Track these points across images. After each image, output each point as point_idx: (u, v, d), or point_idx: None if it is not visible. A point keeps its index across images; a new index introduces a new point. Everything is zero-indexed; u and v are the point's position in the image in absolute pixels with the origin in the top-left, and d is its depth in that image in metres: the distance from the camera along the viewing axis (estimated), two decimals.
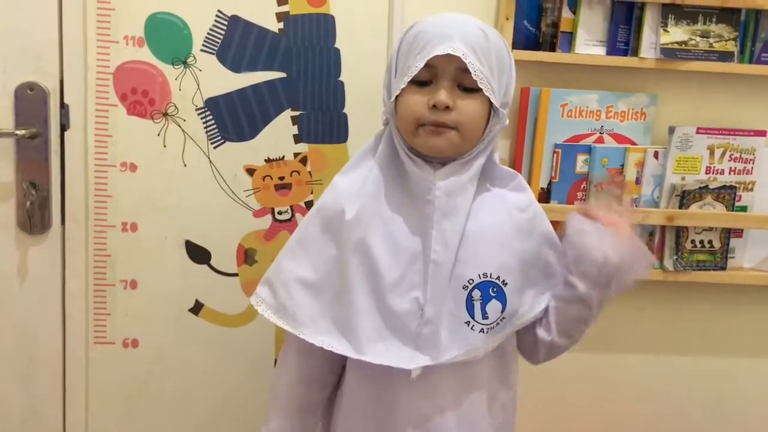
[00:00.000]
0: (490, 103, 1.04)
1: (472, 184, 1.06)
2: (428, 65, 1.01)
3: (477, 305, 1.06)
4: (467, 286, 1.06)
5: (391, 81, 1.09)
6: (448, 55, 0.99)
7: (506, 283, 1.07)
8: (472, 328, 1.06)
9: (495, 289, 1.07)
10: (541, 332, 1.13)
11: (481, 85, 1.01)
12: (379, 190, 1.07)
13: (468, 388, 1.10)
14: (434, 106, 1.01)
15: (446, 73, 1.02)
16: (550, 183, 1.50)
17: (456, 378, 1.09)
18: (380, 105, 1.12)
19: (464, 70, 1.00)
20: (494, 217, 1.08)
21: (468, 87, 1.02)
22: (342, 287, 1.07)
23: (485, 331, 1.06)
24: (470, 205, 1.06)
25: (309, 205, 1.49)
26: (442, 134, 1.03)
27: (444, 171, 1.05)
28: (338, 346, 1.07)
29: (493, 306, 1.06)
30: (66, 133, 1.43)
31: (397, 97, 1.05)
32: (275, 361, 1.57)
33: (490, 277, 1.06)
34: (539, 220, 1.13)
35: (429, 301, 1.04)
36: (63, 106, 1.42)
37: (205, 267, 1.52)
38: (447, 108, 1.01)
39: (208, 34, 1.43)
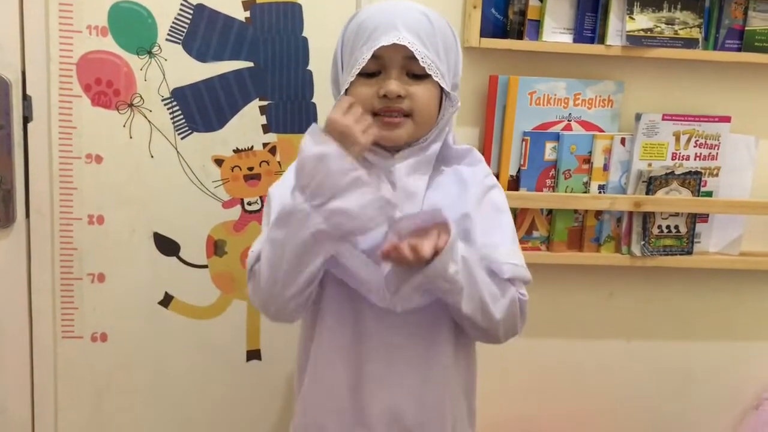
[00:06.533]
0: (441, 88, 1.04)
1: (428, 168, 1.07)
2: (375, 56, 1.00)
3: None
4: None
5: (338, 74, 1.08)
6: (395, 44, 0.98)
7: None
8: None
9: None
10: None
11: (429, 71, 1.01)
12: None
13: (429, 337, 1.08)
14: (385, 96, 1.01)
15: (394, 63, 1.02)
16: (519, 171, 1.51)
17: (420, 326, 1.07)
18: None
19: (411, 57, 1.00)
20: (453, 195, 1.07)
21: (417, 74, 1.02)
22: None
23: None
24: (425, 189, 1.06)
25: None
26: (397, 125, 1.03)
27: (402, 155, 1.06)
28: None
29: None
30: (29, 125, 1.40)
31: (346, 90, 1.04)
32: (247, 352, 1.56)
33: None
34: (496, 191, 1.13)
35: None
36: (26, 98, 1.39)
37: (174, 259, 1.50)
38: (399, 97, 1.01)
39: (173, 23, 1.41)
